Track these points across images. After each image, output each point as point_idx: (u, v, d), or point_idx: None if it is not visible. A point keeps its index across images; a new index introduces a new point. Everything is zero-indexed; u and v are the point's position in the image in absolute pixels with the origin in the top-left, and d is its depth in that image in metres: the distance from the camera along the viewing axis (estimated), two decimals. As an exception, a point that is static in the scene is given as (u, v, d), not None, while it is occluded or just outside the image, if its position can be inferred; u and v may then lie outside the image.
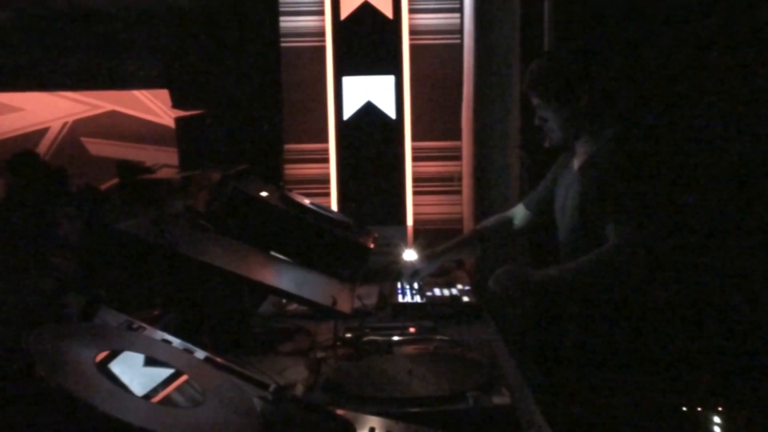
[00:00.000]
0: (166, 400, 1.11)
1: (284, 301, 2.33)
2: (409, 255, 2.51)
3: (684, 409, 2.32)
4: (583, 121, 2.15)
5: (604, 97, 2.15)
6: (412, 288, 2.43)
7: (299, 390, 1.42)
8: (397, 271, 2.50)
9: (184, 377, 1.21)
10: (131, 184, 3.58)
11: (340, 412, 1.23)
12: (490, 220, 2.61)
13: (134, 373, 1.15)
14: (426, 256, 2.50)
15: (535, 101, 2.19)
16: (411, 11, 3.53)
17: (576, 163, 2.22)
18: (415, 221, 3.53)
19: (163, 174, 4.59)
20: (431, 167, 3.62)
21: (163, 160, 5.20)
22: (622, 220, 2.00)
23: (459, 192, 3.61)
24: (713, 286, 2.98)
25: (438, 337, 1.93)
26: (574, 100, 2.12)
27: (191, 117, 4.08)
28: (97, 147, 5.83)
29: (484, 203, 3.28)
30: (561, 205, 2.25)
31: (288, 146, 3.62)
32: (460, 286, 2.47)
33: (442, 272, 2.81)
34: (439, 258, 2.53)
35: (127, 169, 3.95)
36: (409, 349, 1.86)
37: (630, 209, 2.00)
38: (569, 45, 2.96)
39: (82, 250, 2.06)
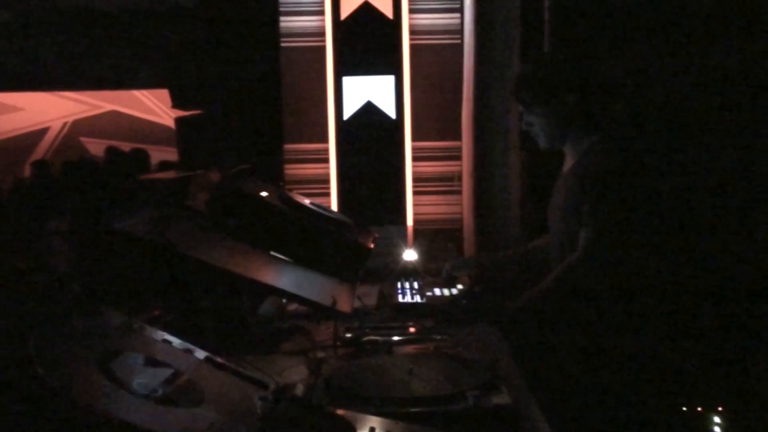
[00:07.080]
0: (166, 400, 1.11)
1: (284, 301, 2.33)
2: (409, 255, 2.51)
3: (684, 409, 2.32)
4: (569, 125, 2.13)
5: (592, 101, 2.12)
6: (412, 288, 2.43)
7: (299, 390, 1.41)
8: (401, 269, 2.50)
9: (184, 377, 1.21)
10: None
11: (340, 412, 1.23)
12: (540, 240, 2.45)
13: (134, 373, 1.15)
14: (488, 264, 2.49)
15: (520, 107, 2.19)
16: (411, 11, 3.52)
17: (564, 168, 2.21)
18: (415, 221, 3.53)
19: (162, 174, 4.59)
20: (431, 167, 3.62)
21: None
22: (590, 227, 2.00)
23: (459, 192, 3.60)
24: (711, 286, 2.98)
25: (438, 337, 1.93)
26: (557, 105, 2.10)
27: (191, 117, 4.08)
28: (97, 147, 5.83)
29: (484, 203, 3.28)
30: (552, 210, 2.23)
31: (288, 146, 3.62)
32: (460, 286, 2.46)
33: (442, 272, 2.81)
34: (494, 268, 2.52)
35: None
36: (409, 349, 1.85)
37: (600, 217, 1.99)
38: (553, 51, 2.96)
39: (81, 250, 2.06)
